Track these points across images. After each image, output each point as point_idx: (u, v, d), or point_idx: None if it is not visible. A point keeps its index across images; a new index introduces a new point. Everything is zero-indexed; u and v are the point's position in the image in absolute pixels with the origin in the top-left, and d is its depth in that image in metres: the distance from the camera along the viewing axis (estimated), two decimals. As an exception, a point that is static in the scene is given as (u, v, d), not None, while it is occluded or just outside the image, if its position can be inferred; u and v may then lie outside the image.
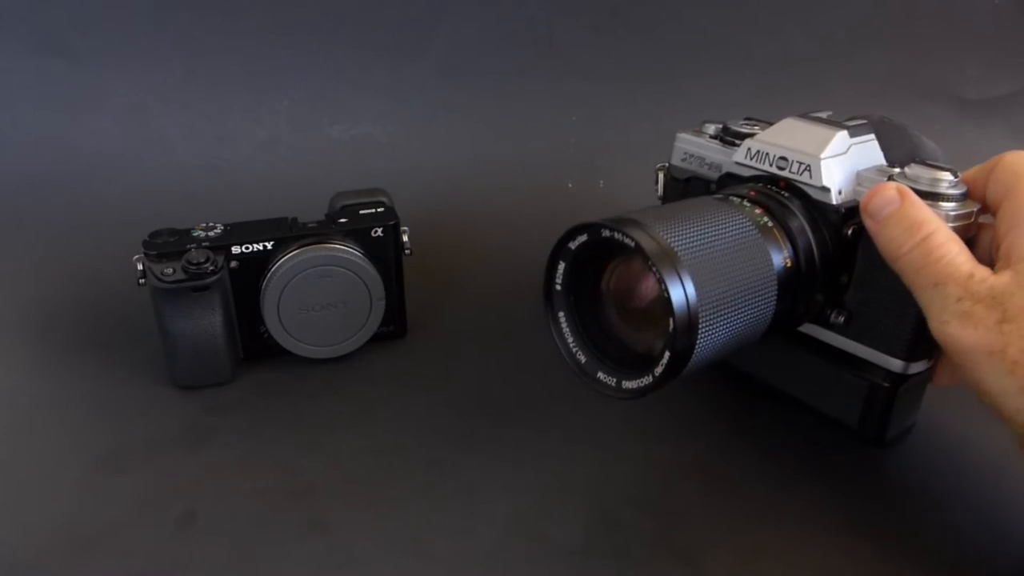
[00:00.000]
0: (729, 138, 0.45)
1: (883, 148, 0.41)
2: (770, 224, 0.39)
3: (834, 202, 0.40)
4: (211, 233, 0.49)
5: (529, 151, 0.79)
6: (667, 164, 0.49)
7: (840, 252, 0.40)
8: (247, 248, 0.49)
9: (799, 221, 0.40)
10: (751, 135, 0.43)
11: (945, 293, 0.35)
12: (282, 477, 0.44)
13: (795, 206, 0.40)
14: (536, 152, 0.79)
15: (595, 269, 0.39)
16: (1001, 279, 0.34)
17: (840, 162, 0.40)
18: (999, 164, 0.38)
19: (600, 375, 0.38)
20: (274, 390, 0.50)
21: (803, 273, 0.40)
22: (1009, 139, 0.80)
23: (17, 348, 0.55)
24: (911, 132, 0.44)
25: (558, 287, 0.38)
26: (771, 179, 0.42)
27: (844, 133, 0.40)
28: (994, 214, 0.38)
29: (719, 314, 0.35)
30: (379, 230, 0.51)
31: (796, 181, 0.40)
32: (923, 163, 0.38)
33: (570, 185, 0.76)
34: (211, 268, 0.47)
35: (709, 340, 0.35)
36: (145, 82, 0.75)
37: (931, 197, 0.37)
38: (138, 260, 0.48)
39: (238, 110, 0.77)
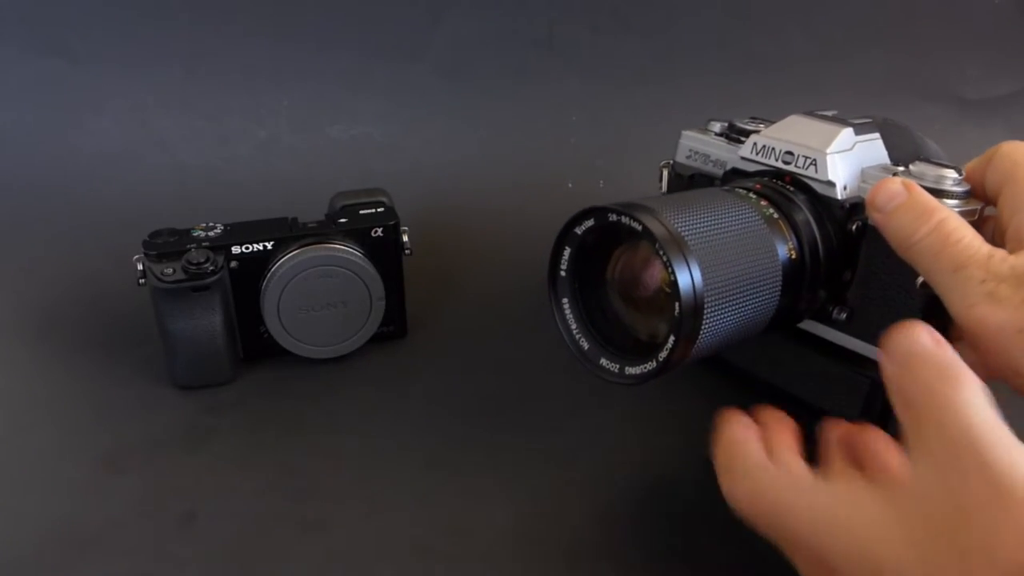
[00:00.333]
0: (735, 135, 0.45)
1: (887, 147, 0.41)
2: (776, 216, 0.39)
3: (839, 197, 0.40)
4: (211, 233, 0.49)
5: (529, 151, 0.79)
6: (671, 161, 0.49)
7: (844, 248, 0.41)
8: (247, 248, 0.49)
9: (804, 215, 0.40)
10: (756, 132, 0.44)
11: (968, 276, 0.34)
12: (282, 477, 0.44)
13: (800, 200, 0.40)
14: (536, 152, 0.79)
15: (600, 256, 0.39)
16: (1021, 258, 0.34)
17: (845, 158, 0.40)
18: (996, 154, 0.38)
19: (603, 361, 0.38)
20: (274, 390, 0.50)
21: (807, 266, 0.40)
22: (1009, 139, 0.80)
23: (17, 348, 0.55)
24: (914, 133, 0.44)
25: (563, 273, 0.38)
26: (776, 174, 0.42)
27: (849, 130, 0.40)
28: (994, 203, 0.38)
29: (725, 301, 0.35)
30: (379, 230, 0.51)
31: (802, 175, 0.41)
32: (927, 161, 0.39)
33: (570, 185, 0.76)
34: (211, 268, 0.47)
35: (714, 326, 0.35)
36: (145, 82, 0.75)
37: (935, 194, 0.37)
38: (138, 260, 0.48)
39: (238, 110, 0.77)
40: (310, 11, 0.76)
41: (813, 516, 0.30)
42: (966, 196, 0.38)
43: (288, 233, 0.50)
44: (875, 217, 0.37)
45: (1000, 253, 0.34)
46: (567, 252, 0.38)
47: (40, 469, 0.45)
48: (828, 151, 0.40)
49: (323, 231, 0.50)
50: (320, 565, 0.39)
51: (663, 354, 0.34)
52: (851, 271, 0.41)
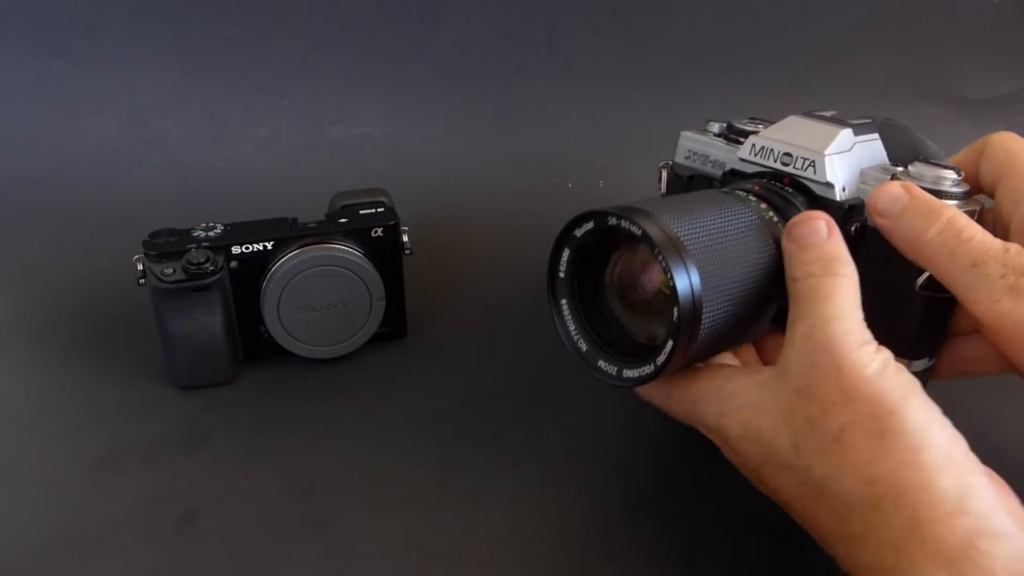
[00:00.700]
0: (733, 136, 0.45)
1: (886, 148, 0.41)
2: (775, 219, 0.39)
3: (838, 198, 0.40)
4: (211, 233, 0.49)
5: (529, 151, 0.79)
6: (670, 162, 0.49)
7: None
8: (247, 248, 0.49)
9: None
10: (755, 132, 0.44)
11: (987, 272, 0.34)
12: (282, 477, 0.44)
13: (799, 202, 0.40)
14: (536, 152, 0.79)
15: (599, 258, 0.39)
16: None
17: (844, 159, 0.40)
18: (988, 145, 0.38)
19: (601, 363, 0.38)
20: (274, 390, 0.50)
21: None
22: (1009, 139, 0.80)
23: (17, 348, 0.55)
24: (914, 133, 0.44)
25: (561, 275, 0.38)
26: (775, 175, 0.42)
27: (848, 131, 0.40)
28: (991, 194, 0.38)
29: (723, 304, 0.35)
30: (379, 230, 0.51)
31: (800, 177, 0.40)
32: (926, 161, 0.38)
33: (570, 185, 0.76)
34: (211, 268, 0.47)
35: (712, 330, 0.35)
36: (145, 82, 0.75)
37: (934, 195, 0.37)
38: (138, 260, 0.48)
39: (238, 110, 0.77)
40: (310, 11, 0.76)
41: (719, 401, 0.35)
42: (965, 196, 0.38)
43: (288, 233, 0.50)
44: (880, 223, 0.37)
45: (1015, 247, 0.34)
46: (566, 254, 0.38)
47: (40, 469, 0.45)
48: (826, 152, 0.40)
49: (323, 231, 0.50)
50: (320, 565, 0.39)
51: (661, 358, 0.34)
52: None
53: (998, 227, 0.37)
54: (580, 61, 0.81)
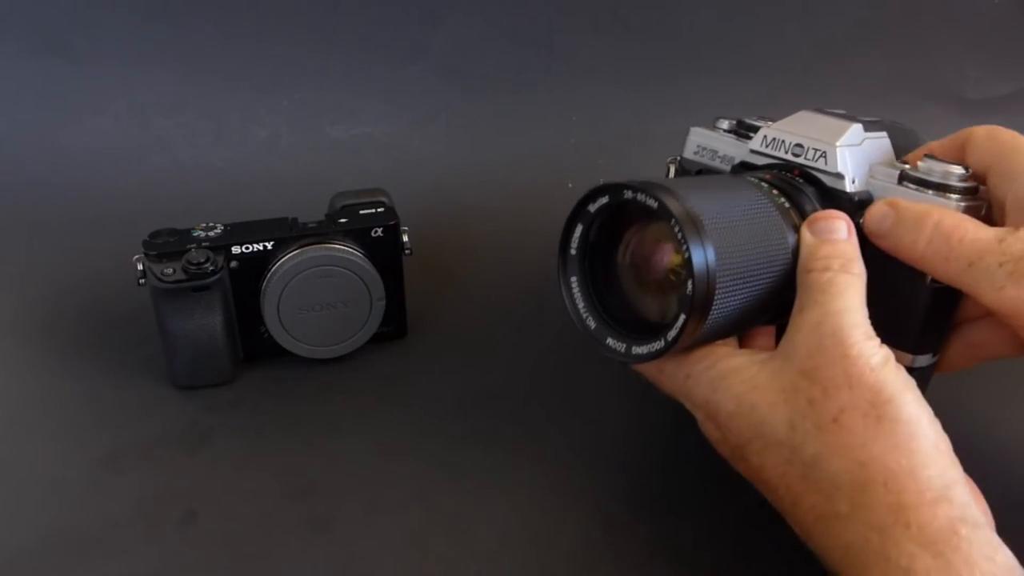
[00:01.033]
0: (744, 131, 0.45)
1: (894, 147, 0.42)
2: (787, 205, 0.39)
3: (848, 190, 0.40)
4: (211, 233, 0.49)
5: (529, 151, 0.79)
6: (678, 157, 0.49)
7: None
8: (247, 248, 0.49)
9: (813, 205, 0.40)
10: (766, 126, 0.44)
11: (985, 266, 0.35)
12: (282, 477, 0.44)
13: (809, 192, 0.40)
14: (536, 152, 0.79)
15: (612, 236, 0.39)
16: None
17: (854, 152, 0.40)
18: (972, 136, 0.39)
19: (609, 341, 0.37)
20: (274, 390, 0.50)
21: None
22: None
23: (17, 348, 0.55)
24: (919, 136, 0.44)
25: (573, 251, 0.38)
26: (786, 167, 0.42)
27: (859, 126, 0.41)
28: (982, 182, 0.38)
29: (737, 282, 0.35)
30: (379, 230, 0.51)
31: (811, 168, 0.41)
32: (935, 157, 0.39)
33: (570, 185, 0.76)
34: (211, 268, 0.47)
35: (725, 307, 0.35)
36: (145, 82, 0.75)
37: (943, 190, 0.38)
38: (138, 260, 0.48)
39: (238, 110, 0.77)
40: (310, 11, 0.76)
41: (714, 378, 0.36)
42: (974, 191, 0.38)
43: (288, 233, 0.50)
44: (881, 244, 0.38)
45: (1010, 236, 0.35)
46: (578, 230, 0.38)
47: (40, 469, 0.45)
48: (838, 144, 0.40)
49: (323, 231, 0.50)
50: (320, 565, 0.39)
51: (673, 332, 0.34)
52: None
53: (995, 210, 0.38)
54: (580, 61, 0.81)
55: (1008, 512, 0.33)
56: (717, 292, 0.34)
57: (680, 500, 0.42)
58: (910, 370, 0.40)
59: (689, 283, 0.33)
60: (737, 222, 0.36)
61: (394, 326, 0.54)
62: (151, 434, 0.47)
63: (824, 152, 0.40)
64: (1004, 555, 0.30)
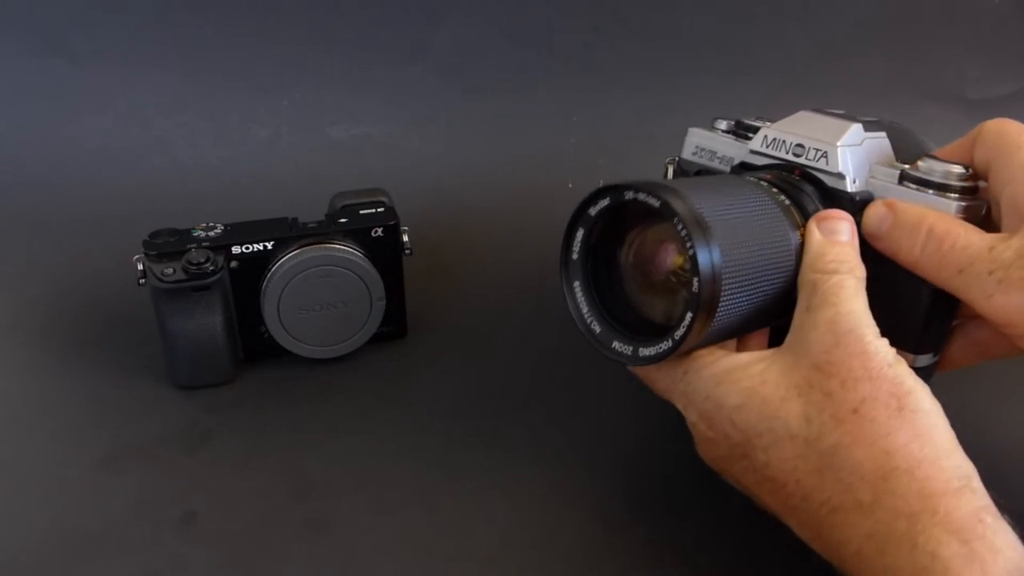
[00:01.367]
0: (742, 131, 0.45)
1: (893, 147, 0.42)
2: (788, 203, 0.39)
3: (848, 190, 0.40)
4: (211, 233, 0.49)
5: (529, 151, 0.79)
6: (676, 158, 0.49)
7: None
8: (247, 248, 0.49)
9: (815, 205, 0.40)
10: (766, 127, 0.44)
11: (975, 272, 0.35)
12: (282, 477, 0.44)
13: (810, 191, 0.40)
14: (536, 152, 0.79)
15: (613, 239, 0.39)
16: (1021, 239, 0.34)
17: (855, 152, 0.40)
18: (982, 132, 0.39)
19: (615, 344, 0.37)
20: (274, 390, 0.50)
21: None
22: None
23: (17, 348, 0.55)
24: (918, 136, 0.44)
25: (575, 256, 0.38)
26: (786, 167, 0.42)
27: (859, 126, 0.41)
28: (985, 178, 0.38)
29: (742, 279, 0.35)
30: (379, 230, 0.51)
31: (812, 168, 0.41)
32: (935, 157, 0.39)
33: (570, 185, 0.76)
34: (211, 268, 0.47)
35: (731, 305, 0.35)
36: (145, 82, 0.75)
37: (943, 190, 0.38)
38: (138, 260, 0.48)
39: (238, 110, 0.77)
40: (310, 11, 0.76)
41: (717, 373, 0.36)
42: (974, 191, 0.38)
43: (288, 233, 0.50)
44: (878, 246, 0.38)
45: (1000, 243, 0.35)
46: (580, 234, 0.38)
47: (40, 469, 0.45)
48: (839, 144, 0.40)
49: (323, 231, 0.50)
50: (320, 565, 0.39)
51: (680, 332, 0.34)
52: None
53: (992, 209, 0.38)
54: (580, 61, 0.81)
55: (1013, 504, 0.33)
56: (724, 290, 0.34)
57: (680, 500, 0.42)
58: (912, 369, 0.40)
59: (695, 281, 0.33)
60: (740, 219, 0.36)
61: (394, 326, 0.54)
62: (151, 434, 0.47)
63: (825, 152, 0.40)
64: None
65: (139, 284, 0.48)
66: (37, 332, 0.56)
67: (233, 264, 0.49)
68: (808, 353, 0.34)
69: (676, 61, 0.81)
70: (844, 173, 0.40)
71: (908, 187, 0.38)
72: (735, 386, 0.35)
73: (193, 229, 0.49)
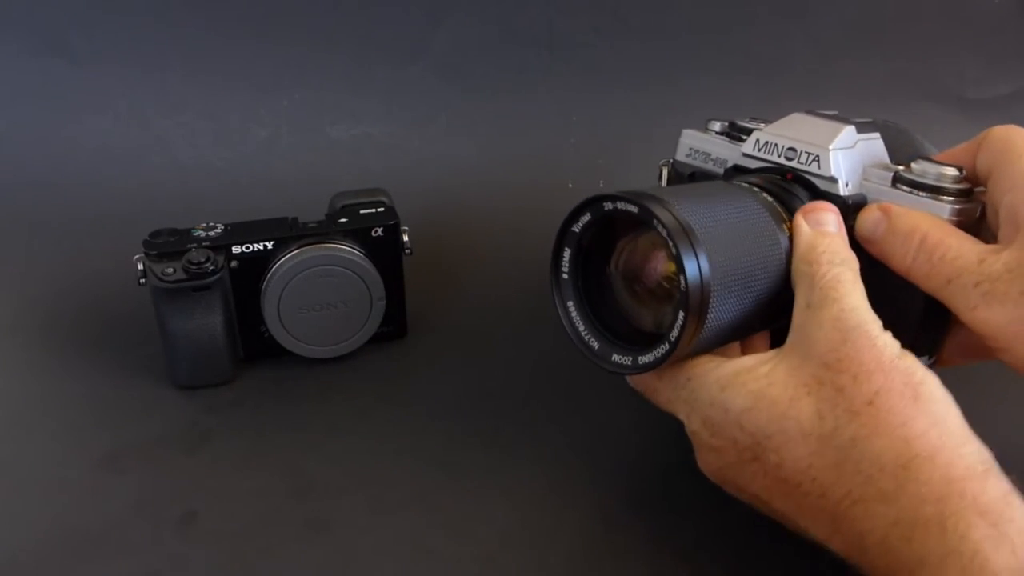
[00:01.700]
0: (736, 133, 0.45)
1: (887, 148, 0.41)
2: (778, 207, 0.39)
3: (841, 193, 0.40)
4: (211, 233, 0.49)
5: (529, 151, 0.79)
6: (671, 160, 0.49)
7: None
8: (247, 248, 0.49)
9: (803, 204, 0.40)
10: (759, 129, 0.44)
11: (962, 284, 0.35)
12: (282, 477, 0.44)
13: (802, 195, 0.40)
14: (536, 152, 0.79)
15: (602, 252, 0.39)
16: (1012, 252, 0.34)
17: (848, 155, 0.40)
18: (987, 137, 0.39)
19: (615, 358, 0.37)
20: (274, 390, 0.50)
21: None
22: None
23: (17, 348, 0.55)
24: (913, 135, 0.44)
25: (565, 276, 0.38)
26: (778, 171, 0.42)
27: (851, 128, 0.40)
28: (985, 184, 0.38)
29: (731, 279, 0.35)
30: (379, 230, 0.51)
31: (804, 172, 0.41)
32: (928, 159, 0.39)
33: (570, 185, 0.76)
34: (211, 268, 0.47)
35: (723, 306, 0.35)
36: (145, 82, 0.75)
37: (936, 192, 0.37)
38: (138, 260, 0.48)
39: (238, 110, 0.77)
40: (310, 11, 0.76)
41: (721, 377, 0.36)
42: (967, 194, 0.38)
43: (288, 233, 0.50)
44: (871, 251, 0.38)
45: (991, 255, 0.35)
46: (567, 253, 0.38)
47: (40, 469, 0.45)
48: (831, 147, 0.40)
49: (323, 231, 0.50)
50: (320, 565, 0.39)
51: (674, 333, 0.34)
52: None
53: (990, 213, 0.38)
54: (580, 61, 0.81)
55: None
56: (714, 285, 0.34)
57: (681, 499, 0.42)
58: None
59: (682, 279, 0.33)
60: (724, 219, 0.36)
61: (394, 326, 0.54)
62: (151, 434, 0.47)
63: (817, 156, 0.40)
64: None
65: (139, 284, 0.48)
66: (37, 332, 0.56)
67: (233, 264, 0.49)
68: (815, 351, 0.34)
69: (676, 61, 0.81)
70: (836, 177, 0.40)
71: (901, 190, 0.38)
72: (741, 389, 0.35)
73: (193, 229, 0.49)
